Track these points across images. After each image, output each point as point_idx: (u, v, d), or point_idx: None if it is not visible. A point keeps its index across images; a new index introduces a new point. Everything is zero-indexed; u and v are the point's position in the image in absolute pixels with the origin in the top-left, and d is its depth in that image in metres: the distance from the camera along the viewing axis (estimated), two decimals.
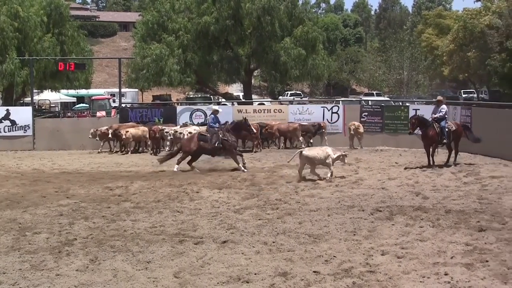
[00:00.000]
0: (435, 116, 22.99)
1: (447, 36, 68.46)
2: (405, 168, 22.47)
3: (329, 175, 20.11)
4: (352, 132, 30.98)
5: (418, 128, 23.00)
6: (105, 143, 32.21)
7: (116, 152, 31.58)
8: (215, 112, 24.98)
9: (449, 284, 9.45)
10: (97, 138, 31.75)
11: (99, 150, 31.82)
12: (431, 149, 22.99)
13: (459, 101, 62.01)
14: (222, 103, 48.22)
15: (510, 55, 56.08)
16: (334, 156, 20.25)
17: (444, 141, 22.91)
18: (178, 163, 23.68)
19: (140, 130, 31.04)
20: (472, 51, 60.87)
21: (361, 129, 30.95)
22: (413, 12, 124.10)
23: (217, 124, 24.38)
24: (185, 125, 31.43)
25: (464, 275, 9.77)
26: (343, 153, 20.73)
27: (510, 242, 11.65)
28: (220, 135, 23.79)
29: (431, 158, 22.94)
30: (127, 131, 30.41)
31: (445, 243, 11.74)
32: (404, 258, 10.85)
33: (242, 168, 22.98)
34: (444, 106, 23.50)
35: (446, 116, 23.54)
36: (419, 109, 31.32)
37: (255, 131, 26.13)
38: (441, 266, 10.32)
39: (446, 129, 23.02)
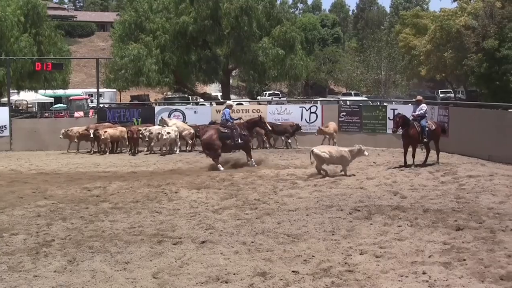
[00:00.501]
0: (416, 114, 23.07)
1: (425, 36, 68.78)
2: (400, 170, 22.42)
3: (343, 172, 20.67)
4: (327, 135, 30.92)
5: (401, 127, 23.03)
6: (71, 144, 31.94)
7: (95, 152, 31.39)
8: (229, 106, 25.65)
9: (427, 283, 9.50)
10: (75, 140, 31.54)
11: (67, 151, 31.63)
12: (410, 149, 23.06)
13: (436, 101, 62.31)
14: (200, 103, 48.19)
15: (487, 55, 56.49)
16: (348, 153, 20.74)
17: (425, 140, 23.02)
18: (217, 163, 23.92)
19: (118, 130, 30.93)
20: (449, 51, 61.22)
21: (331, 130, 30.89)
22: (391, 12, 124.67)
23: (231, 119, 24.90)
24: (163, 122, 31.35)
25: (442, 274, 9.83)
26: (358, 147, 21.08)
27: (487, 241, 11.73)
28: (239, 131, 24.31)
29: (411, 158, 23.01)
30: (105, 131, 30.31)
31: (423, 242, 11.80)
32: (382, 258, 10.90)
33: (254, 164, 23.91)
34: (423, 105, 23.61)
35: (426, 115, 23.67)
36: (397, 109, 31.42)
37: (270, 128, 26.71)
38: (419, 265, 10.38)
39: (427, 128, 23.15)
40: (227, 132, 24.19)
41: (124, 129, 30.99)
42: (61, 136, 31.39)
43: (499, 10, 58.53)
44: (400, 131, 23.53)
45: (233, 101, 33.62)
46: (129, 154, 30.10)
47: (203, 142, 24.95)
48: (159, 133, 28.81)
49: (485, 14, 58.84)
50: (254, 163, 24.02)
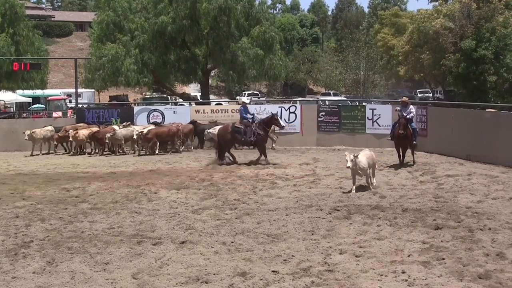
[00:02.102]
0: (408, 117, 23.07)
1: (403, 37, 69.05)
2: (379, 170, 22.31)
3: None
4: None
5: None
6: (35, 146, 31.67)
7: (72, 153, 31.25)
8: (244, 104, 26.24)
9: (407, 282, 9.56)
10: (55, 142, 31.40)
11: (31, 153, 31.33)
12: (401, 150, 23.12)
13: (415, 100, 62.59)
14: (179, 103, 48.03)
15: (464, 55, 56.76)
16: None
17: (414, 142, 23.12)
18: (221, 158, 24.82)
19: (91, 131, 30.80)
20: (426, 52, 61.51)
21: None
22: (369, 12, 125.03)
23: (248, 115, 25.51)
24: (125, 126, 31.30)
25: (421, 273, 9.90)
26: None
27: (466, 240, 11.82)
28: (253, 129, 24.75)
29: (400, 159, 23.10)
30: (76, 132, 30.23)
31: (402, 242, 11.87)
32: (362, 257, 10.94)
33: (268, 162, 24.33)
34: (412, 107, 23.75)
35: (414, 116, 23.83)
36: (375, 109, 31.59)
37: (283, 125, 26.74)
38: (398, 264, 10.43)
39: (417, 130, 23.33)
40: (241, 128, 24.99)
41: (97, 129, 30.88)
42: (26, 138, 30.97)
43: (476, 11, 58.86)
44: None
45: (213, 101, 33.66)
46: (97, 155, 30.13)
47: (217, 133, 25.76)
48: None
49: (462, 15, 59.15)
50: (268, 161, 24.44)
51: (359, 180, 18.17)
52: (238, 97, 29.54)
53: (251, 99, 53.60)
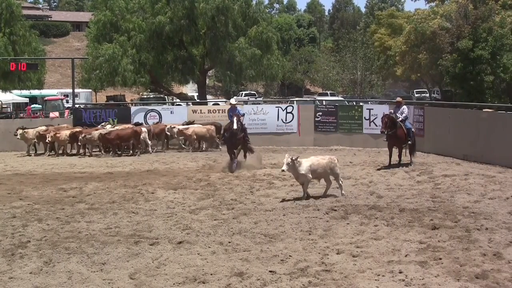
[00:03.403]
0: (401, 118, 23.07)
1: (400, 37, 69.05)
2: (376, 170, 22.37)
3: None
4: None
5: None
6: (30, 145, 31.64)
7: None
8: (231, 105, 25.36)
9: (404, 282, 9.56)
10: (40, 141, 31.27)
11: (27, 153, 31.32)
12: (395, 149, 23.10)
13: (412, 100, 62.64)
14: (177, 103, 48.04)
15: (461, 55, 56.74)
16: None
17: (409, 142, 23.10)
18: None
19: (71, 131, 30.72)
20: (423, 52, 61.53)
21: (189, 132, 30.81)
22: (366, 12, 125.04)
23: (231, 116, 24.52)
24: (103, 126, 31.33)
25: (418, 273, 9.90)
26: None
27: (463, 240, 11.83)
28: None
29: (398, 158, 23.07)
30: (56, 133, 30.11)
31: (400, 242, 11.87)
32: (359, 257, 10.95)
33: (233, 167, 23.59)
34: (405, 106, 23.75)
35: (408, 116, 23.84)
36: (373, 109, 31.65)
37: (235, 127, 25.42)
38: (395, 264, 10.44)
39: (413, 130, 23.33)
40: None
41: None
42: (18, 137, 30.88)
43: (473, 11, 58.88)
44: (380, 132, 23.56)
45: (210, 101, 33.49)
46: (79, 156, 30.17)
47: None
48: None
49: (459, 15, 59.18)
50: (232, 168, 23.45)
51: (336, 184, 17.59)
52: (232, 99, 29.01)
53: (247, 101, 53.51)
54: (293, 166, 15.96)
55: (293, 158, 15.91)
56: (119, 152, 29.57)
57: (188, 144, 31.16)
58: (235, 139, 23.39)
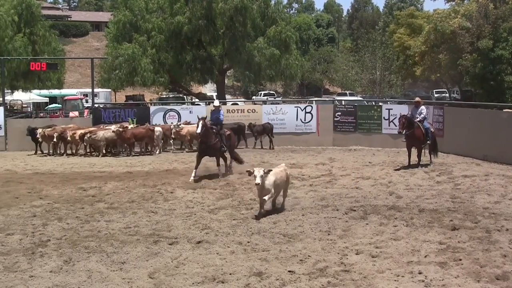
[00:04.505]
0: (419, 118, 22.97)
1: (419, 37, 68.76)
2: (395, 170, 22.28)
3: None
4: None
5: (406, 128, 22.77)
6: (48, 145, 31.60)
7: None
8: (215, 107, 23.41)
9: (423, 283, 9.52)
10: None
11: (48, 152, 31.29)
12: (413, 150, 22.99)
13: (431, 100, 62.39)
14: (196, 103, 48.13)
15: (481, 55, 56.51)
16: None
17: (428, 142, 22.98)
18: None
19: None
20: (443, 52, 61.26)
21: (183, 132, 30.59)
22: (385, 12, 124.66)
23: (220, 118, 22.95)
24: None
25: (438, 274, 9.86)
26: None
27: (483, 241, 11.76)
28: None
29: (417, 158, 22.97)
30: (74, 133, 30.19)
31: (419, 242, 11.82)
32: (378, 257, 10.91)
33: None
34: (423, 107, 23.59)
35: (426, 117, 23.73)
36: (392, 109, 31.54)
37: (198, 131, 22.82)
38: (415, 264, 10.40)
39: (431, 130, 23.20)
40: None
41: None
42: (38, 138, 30.87)
43: (493, 11, 58.59)
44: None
45: (229, 101, 33.29)
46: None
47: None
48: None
49: (479, 15, 58.91)
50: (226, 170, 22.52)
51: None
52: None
53: (266, 100, 53.32)
54: (264, 180, 14.58)
55: (265, 171, 14.69)
56: (125, 152, 29.69)
57: (184, 144, 31.24)
58: (204, 145, 21.61)
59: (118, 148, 30.07)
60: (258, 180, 14.31)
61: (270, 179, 14.73)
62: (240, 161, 23.14)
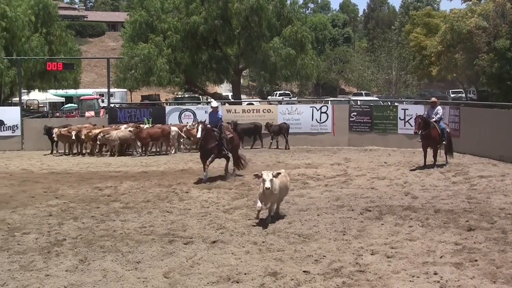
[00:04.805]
0: (435, 119, 22.88)
1: (435, 37, 68.57)
2: (411, 170, 22.20)
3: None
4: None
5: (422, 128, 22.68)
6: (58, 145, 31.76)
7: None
8: (213, 108, 22.40)
9: (439, 284, 9.48)
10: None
11: (64, 152, 31.45)
12: (429, 150, 22.92)
13: (447, 101, 62.20)
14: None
15: (498, 55, 56.29)
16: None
17: (444, 142, 22.90)
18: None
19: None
20: (460, 52, 61.05)
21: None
22: (401, 12, 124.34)
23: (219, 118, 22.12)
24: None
25: (453, 275, 9.81)
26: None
27: (499, 242, 11.71)
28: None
29: (433, 159, 22.89)
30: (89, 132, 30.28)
31: (435, 243, 11.78)
32: (393, 258, 10.88)
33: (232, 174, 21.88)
34: (439, 107, 23.50)
35: (442, 117, 23.63)
36: (408, 109, 31.42)
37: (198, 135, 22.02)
38: (430, 265, 10.36)
39: (447, 130, 23.12)
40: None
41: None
42: (54, 137, 30.94)
43: (511, 10, 58.33)
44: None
45: (245, 101, 33.04)
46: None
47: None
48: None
49: (496, 14, 58.67)
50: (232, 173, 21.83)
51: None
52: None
53: (282, 100, 53.24)
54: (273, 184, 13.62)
55: (274, 174, 13.72)
56: (137, 152, 29.81)
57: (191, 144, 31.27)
58: (204, 149, 21.07)
59: (134, 148, 30.14)
60: (268, 184, 13.34)
61: (276, 184, 13.78)
62: (240, 167, 22.01)
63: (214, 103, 23.15)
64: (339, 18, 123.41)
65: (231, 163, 22.02)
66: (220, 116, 22.01)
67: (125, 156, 29.44)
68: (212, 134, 21.02)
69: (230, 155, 21.79)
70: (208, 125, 21.16)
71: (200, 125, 20.77)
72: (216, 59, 46.85)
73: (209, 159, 21.04)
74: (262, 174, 13.62)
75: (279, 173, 14.05)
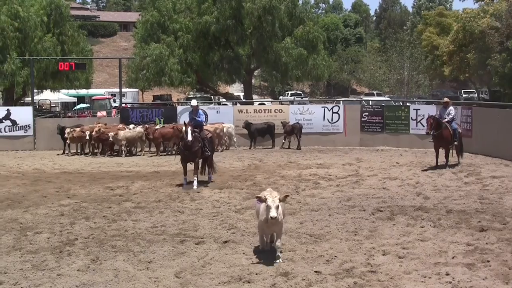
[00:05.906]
0: (447, 119, 22.82)
1: (447, 37, 68.33)
2: (423, 170, 22.15)
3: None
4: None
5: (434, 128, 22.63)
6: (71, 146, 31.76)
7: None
8: (193, 107, 21.31)
9: (451, 284, 9.46)
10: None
11: (68, 152, 31.48)
12: (441, 150, 22.85)
13: (460, 101, 61.96)
14: (223, 103, 48.17)
15: (511, 55, 55.97)
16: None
17: (455, 142, 22.83)
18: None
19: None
20: (472, 52, 60.80)
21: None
22: (413, 12, 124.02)
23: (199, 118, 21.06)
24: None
25: (465, 275, 9.78)
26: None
27: (511, 242, 11.65)
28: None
29: (444, 159, 22.82)
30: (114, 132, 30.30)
31: (446, 243, 11.75)
32: (405, 258, 10.86)
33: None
34: (451, 108, 23.44)
35: (455, 117, 23.56)
36: (419, 109, 31.33)
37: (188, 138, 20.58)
38: (442, 266, 10.33)
39: (459, 131, 23.05)
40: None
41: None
42: (66, 136, 30.90)
43: None
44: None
45: (256, 101, 32.99)
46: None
47: None
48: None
49: (509, 14, 58.37)
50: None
51: None
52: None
53: (293, 100, 53.09)
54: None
55: (281, 199, 11.01)
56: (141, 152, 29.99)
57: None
58: (187, 152, 19.83)
59: (141, 148, 30.23)
60: (273, 213, 10.61)
61: (281, 210, 11.16)
62: (215, 169, 21.25)
63: (194, 102, 21.95)
64: (351, 18, 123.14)
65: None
66: (201, 115, 21.15)
67: (136, 156, 29.50)
68: (196, 135, 20.06)
69: (209, 154, 20.71)
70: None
71: (189, 128, 19.64)
72: (227, 59, 46.81)
73: (195, 165, 20.10)
74: (266, 199, 10.85)
75: (287, 196, 11.53)
